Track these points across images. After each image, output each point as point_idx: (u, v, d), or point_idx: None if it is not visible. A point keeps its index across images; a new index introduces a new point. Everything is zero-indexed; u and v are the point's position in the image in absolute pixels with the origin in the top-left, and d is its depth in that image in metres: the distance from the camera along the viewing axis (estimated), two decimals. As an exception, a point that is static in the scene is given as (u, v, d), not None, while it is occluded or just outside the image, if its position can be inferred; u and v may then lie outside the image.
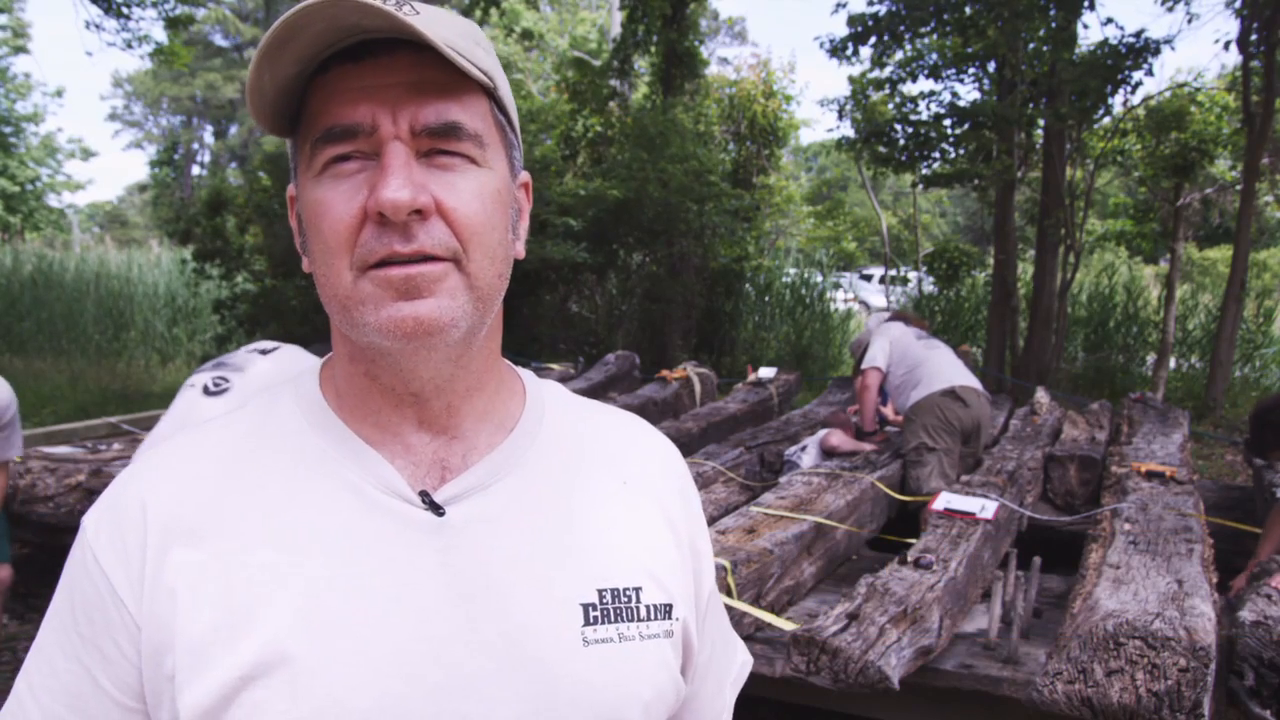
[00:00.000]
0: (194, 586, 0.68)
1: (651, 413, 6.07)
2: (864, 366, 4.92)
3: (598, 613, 0.74)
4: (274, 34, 0.64)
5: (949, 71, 9.87)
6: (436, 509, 0.72)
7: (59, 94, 23.35)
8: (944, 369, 4.64)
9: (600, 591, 0.74)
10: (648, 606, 0.76)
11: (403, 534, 0.71)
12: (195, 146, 37.58)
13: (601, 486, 0.80)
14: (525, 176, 0.78)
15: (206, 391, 2.62)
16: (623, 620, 0.75)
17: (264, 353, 2.73)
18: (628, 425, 0.88)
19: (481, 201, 0.69)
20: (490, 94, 0.72)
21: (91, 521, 0.72)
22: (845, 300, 14.13)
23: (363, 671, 0.67)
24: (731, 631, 0.95)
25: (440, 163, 0.68)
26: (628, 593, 0.76)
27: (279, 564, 0.68)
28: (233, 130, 36.32)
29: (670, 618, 0.78)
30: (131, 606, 0.68)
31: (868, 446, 4.78)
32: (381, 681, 0.67)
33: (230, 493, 0.71)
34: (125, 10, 10.41)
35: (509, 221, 0.74)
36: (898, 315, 5.27)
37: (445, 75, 0.67)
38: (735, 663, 0.94)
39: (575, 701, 0.71)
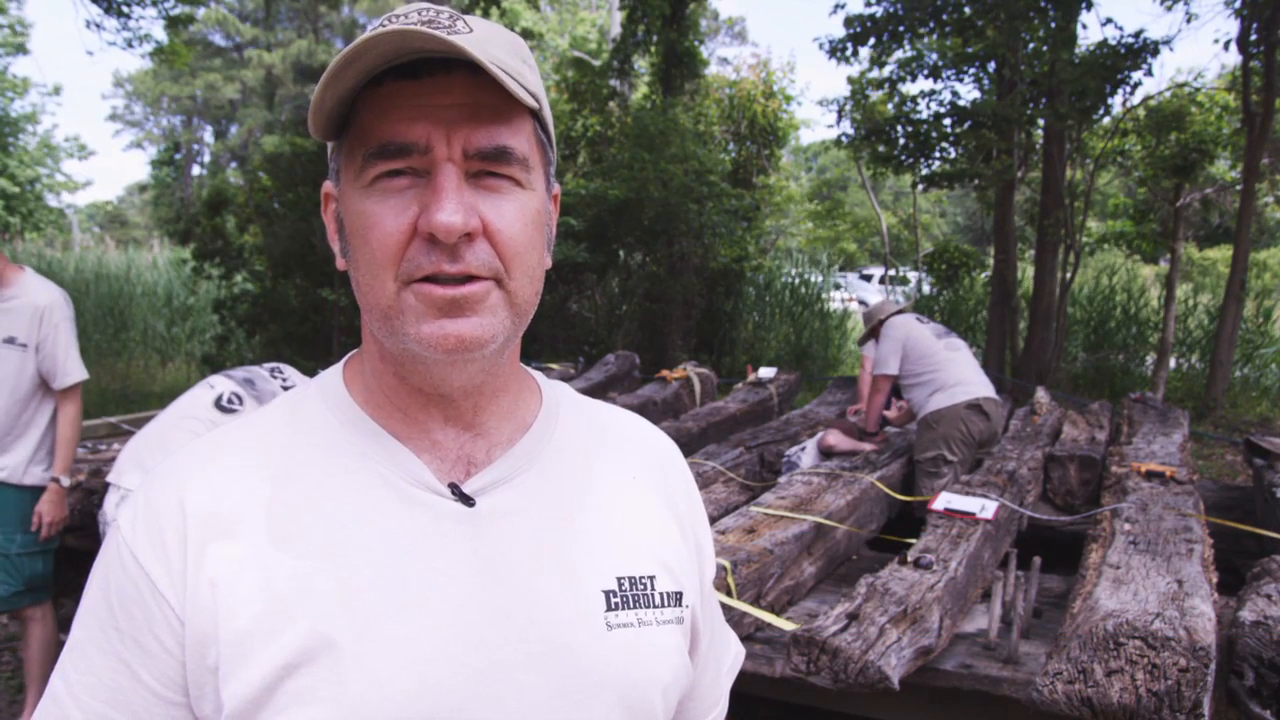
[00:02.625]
0: (235, 579, 0.69)
1: (651, 413, 6.07)
2: (875, 373, 4.85)
3: (618, 599, 0.77)
4: (343, 57, 0.66)
5: (949, 71, 9.87)
6: (467, 500, 0.75)
7: (57, 92, 23.37)
8: (968, 377, 4.53)
9: (619, 579, 0.78)
10: (661, 594, 0.80)
11: (436, 524, 0.73)
12: (195, 146, 37.59)
13: (613, 481, 0.83)
14: (556, 189, 0.81)
15: (219, 403, 2.63)
16: (640, 606, 0.78)
17: None
18: (634, 424, 0.92)
19: (524, 224, 0.72)
20: (535, 114, 0.74)
21: (126, 519, 0.73)
22: (845, 300, 14.14)
23: (405, 656, 0.69)
24: (725, 623, 0.99)
25: (488, 184, 0.70)
26: (643, 580, 0.79)
27: (317, 555, 0.70)
28: (233, 130, 36.31)
29: (681, 605, 0.82)
30: (173, 601, 0.69)
31: (867, 446, 4.77)
32: (423, 666, 0.69)
33: (266, 486, 0.73)
34: (125, 9, 10.41)
35: (545, 239, 0.77)
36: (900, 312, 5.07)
37: (498, 99, 0.70)
38: (730, 653, 0.98)
39: (602, 684, 0.74)
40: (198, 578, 0.69)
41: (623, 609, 0.77)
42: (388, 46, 0.66)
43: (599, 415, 0.89)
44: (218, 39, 35.12)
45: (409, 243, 0.69)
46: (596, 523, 0.79)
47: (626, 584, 0.78)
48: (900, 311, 4.97)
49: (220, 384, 2.71)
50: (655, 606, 0.79)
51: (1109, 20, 8.92)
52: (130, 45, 10.76)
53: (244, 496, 0.72)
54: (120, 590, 0.71)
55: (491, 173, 0.70)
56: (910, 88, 10.34)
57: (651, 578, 0.80)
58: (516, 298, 0.72)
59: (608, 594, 0.77)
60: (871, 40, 9.48)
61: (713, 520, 3.71)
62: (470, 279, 0.69)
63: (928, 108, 10.08)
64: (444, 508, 0.74)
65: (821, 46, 9.73)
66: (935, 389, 4.54)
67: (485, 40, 0.68)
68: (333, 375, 0.81)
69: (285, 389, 2.73)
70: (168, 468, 0.76)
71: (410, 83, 0.69)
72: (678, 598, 0.81)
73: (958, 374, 4.54)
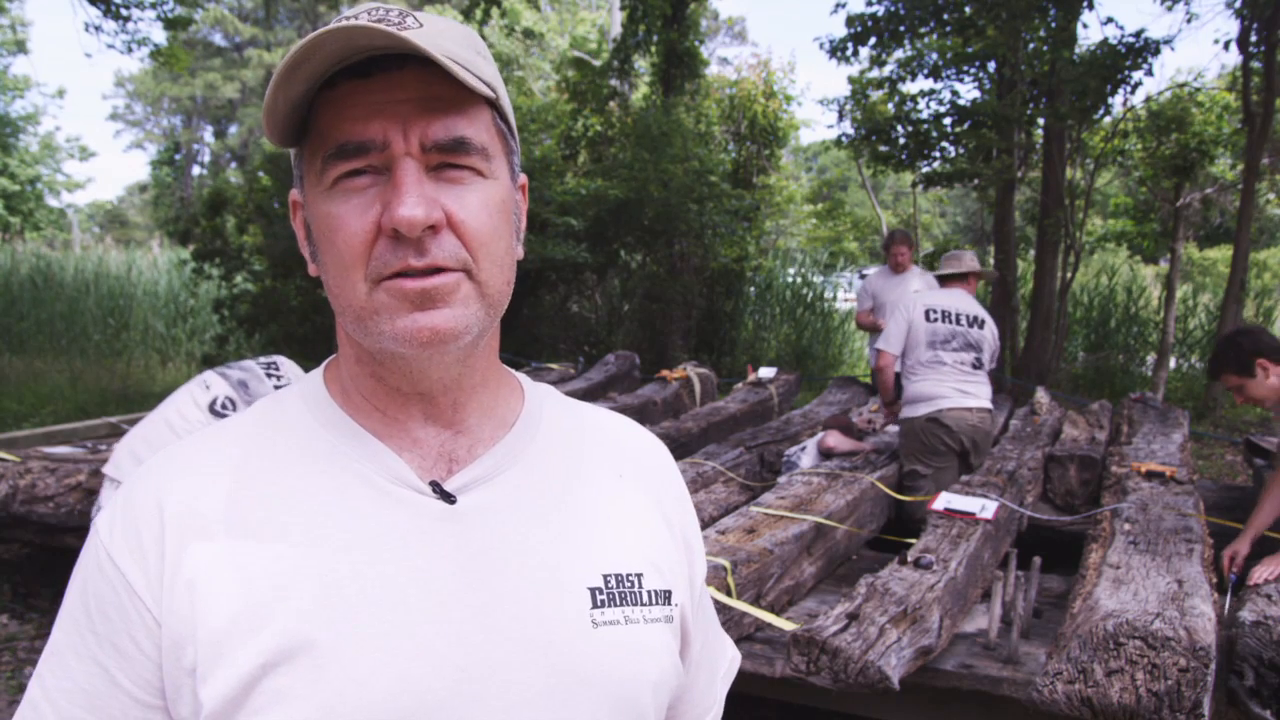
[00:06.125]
0: (213, 579, 0.69)
1: (652, 413, 6.07)
2: (877, 346, 4.81)
3: (604, 596, 0.76)
4: (290, 59, 0.66)
5: (949, 71, 9.88)
6: (448, 497, 0.74)
7: (60, 94, 23.39)
8: (935, 392, 4.43)
9: (605, 576, 0.77)
10: (649, 592, 0.79)
11: (416, 522, 0.73)
12: (195, 146, 37.58)
13: (599, 479, 0.83)
14: (523, 178, 0.81)
15: (212, 408, 2.62)
16: (627, 604, 0.77)
17: None
18: (620, 423, 0.91)
19: (489, 213, 0.72)
20: (492, 104, 0.74)
21: (104, 522, 0.73)
22: (845, 300, 14.14)
23: (384, 655, 0.68)
24: (720, 628, 0.98)
25: (449, 176, 0.70)
26: (630, 578, 0.78)
27: (296, 554, 0.70)
28: (233, 130, 36.30)
29: (670, 604, 0.81)
30: (150, 603, 0.69)
31: (866, 446, 4.78)
32: (402, 665, 0.68)
33: (244, 487, 0.73)
34: (124, 12, 10.38)
35: (513, 228, 0.77)
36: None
37: (452, 90, 0.69)
38: (725, 658, 0.97)
39: (588, 682, 0.73)
40: (175, 579, 0.69)
41: (609, 606, 0.76)
42: (335, 46, 0.66)
43: (585, 415, 0.89)
44: (217, 38, 35.10)
45: (375, 241, 0.68)
46: (582, 520, 0.79)
47: (613, 581, 0.77)
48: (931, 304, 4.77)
49: (216, 386, 2.69)
50: (643, 604, 0.78)
51: (1109, 20, 8.95)
52: (130, 49, 10.74)
53: (222, 497, 0.72)
54: (98, 593, 0.71)
55: (451, 164, 0.70)
56: (910, 87, 10.34)
57: (639, 575, 0.79)
58: (487, 288, 0.72)
59: (593, 591, 0.76)
60: (872, 40, 9.49)
61: (713, 520, 3.71)
62: (438, 271, 0.69)
63: (928, 107, 10.09)
64: (425, 505, 0.73)
65: (822, 46, 9.74)
66: (908, 399, 4.53)
67: (435, 34, 0.68)
68: (313, 377, 0.81)
69: (278, 389, 2.72)
70: (145, 470, 0.75)
71: (362, 81, 0.68)
72: (666, 596, 0.80)
73: (924, 387, 4.44)
